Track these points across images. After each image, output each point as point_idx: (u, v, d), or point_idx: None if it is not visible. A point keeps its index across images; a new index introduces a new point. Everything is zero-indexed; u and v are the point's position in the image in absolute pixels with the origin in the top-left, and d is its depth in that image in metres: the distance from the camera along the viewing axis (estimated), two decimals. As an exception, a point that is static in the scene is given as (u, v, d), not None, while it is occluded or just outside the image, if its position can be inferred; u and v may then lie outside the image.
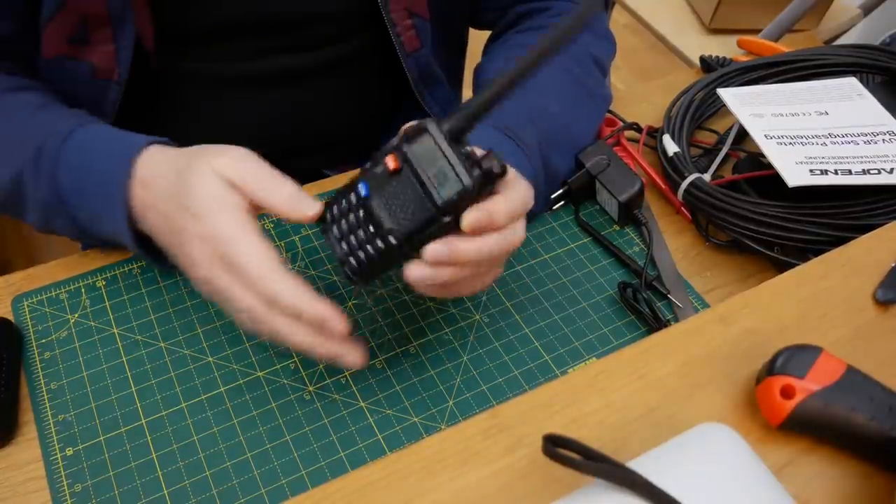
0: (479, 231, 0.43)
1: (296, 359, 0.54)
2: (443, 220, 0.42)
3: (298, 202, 0.45)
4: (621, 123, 0.72)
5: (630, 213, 0.64)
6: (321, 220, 0.46)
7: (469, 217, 0.42)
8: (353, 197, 0.44)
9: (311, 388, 0.53)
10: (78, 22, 0.57)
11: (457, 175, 0.41)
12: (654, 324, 0.56)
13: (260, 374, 0.54)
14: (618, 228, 0.65)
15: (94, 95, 0.61)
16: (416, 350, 0.55)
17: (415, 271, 0.44)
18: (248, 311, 0.45)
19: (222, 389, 0.53)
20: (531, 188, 0.48)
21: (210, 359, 0.54)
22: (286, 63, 0.67)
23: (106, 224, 0.53)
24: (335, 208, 0.45)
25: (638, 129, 0.73)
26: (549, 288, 0.60)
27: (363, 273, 0.45)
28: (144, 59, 0.63)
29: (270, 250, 0.45)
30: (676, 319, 0.57)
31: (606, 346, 0.56)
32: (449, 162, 0.41)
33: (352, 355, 0.46)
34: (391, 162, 0.42)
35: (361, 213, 0.43)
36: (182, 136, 0.70)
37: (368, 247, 0.44)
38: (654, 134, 0.72)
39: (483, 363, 0.55)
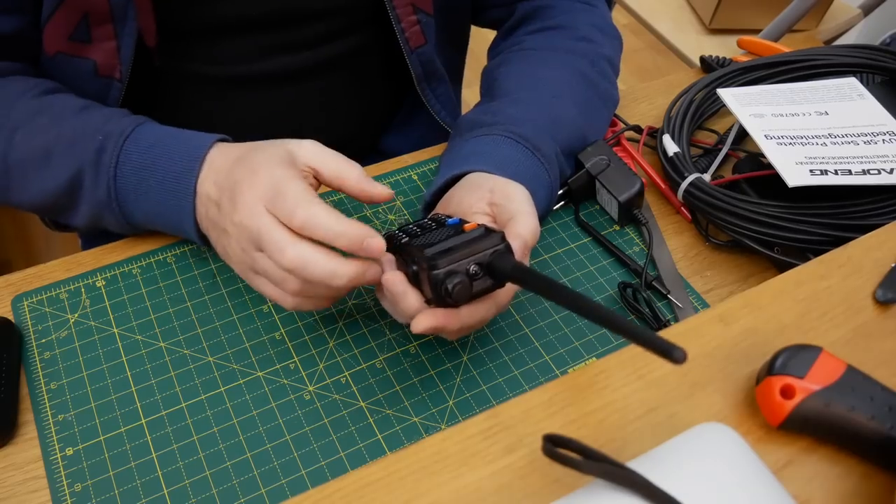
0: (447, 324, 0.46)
1: (296, 358, 0.55)
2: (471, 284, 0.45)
3: (368, 184, 0.50)
4: (622, 124, 0.72)
5: (630, 213, 0.64)
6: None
7: (424, 320, 0.46)
8: (414, 229, 0.49)
9: (311, 388, 0.53)
10: (79, 19, 0.57)
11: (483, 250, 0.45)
12: (654, 324, 0.56)
13: (260, 373, 0.54)
14: (618, 228, 0.65)
15: (97, 92, 0.61)
16: (416, 350, 0.55)
17: (424, 324, 0.45)
18: (287, 256, 0.46)
19: (222, 389, 0.53)
20: (536, 225, 0.50)
21: (210, 358, 0.54)
22: (289, 61, 0.67)
23: (170, 218, 0.55)
24: (404, 229, 0.49)
25: (638, 129, 0.73)
26: None
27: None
28: (146, 58, 0.63)
29: (313, 192, 0.47)
30: (676, 319, 0.57)
31: (606, 346, 0.56)
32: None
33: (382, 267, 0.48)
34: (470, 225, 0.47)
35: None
36: None
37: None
38: (654, 134, 0.72)
39: (483, 363, 0.55)
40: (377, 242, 0.45)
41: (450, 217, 0.50)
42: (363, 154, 0.79)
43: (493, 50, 0.74)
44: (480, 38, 0.79)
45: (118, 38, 0.58)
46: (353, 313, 0.58)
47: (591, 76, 0.67)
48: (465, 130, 0.62)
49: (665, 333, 0.48)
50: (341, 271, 0.46)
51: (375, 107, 0.78)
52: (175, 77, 0.66)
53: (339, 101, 0.73)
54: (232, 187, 0.49)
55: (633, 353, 0.46)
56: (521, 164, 0.56)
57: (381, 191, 0.49)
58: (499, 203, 0.51)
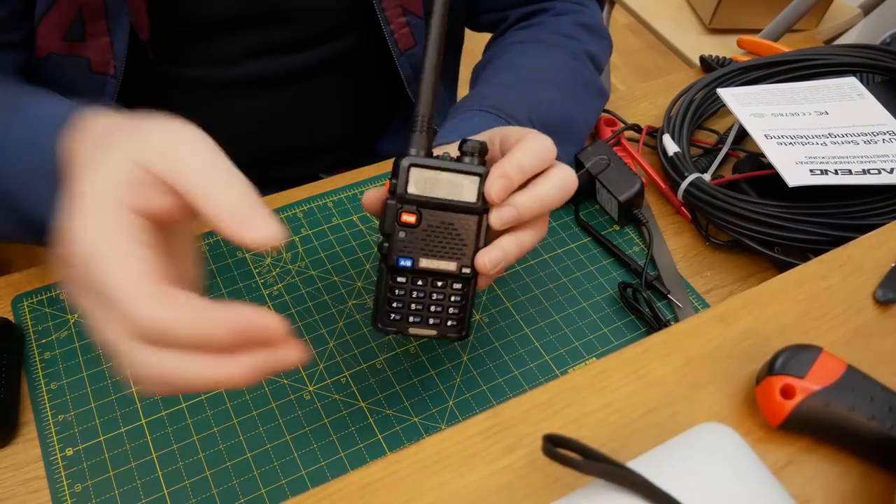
0: (511, 188, 0.43)
1: (296, 359, 0.55)
2: (485, 214, 0.44)
3: (248, 213, 0.32)
4: (621, 124, 0.72)
5: (630, 213, 0.64)
6: (383, 328, 0.45)
7: (495, 184, 0.43)
8: (401, 279, 0.45)
9: (311, 388, 0.53)
10: (74, 15, 0.57)
11: (465, 172, 0.43)
12: (654, 324, 0.56)
13: (260, 374, 0.54)
14: (618, 228, 0.65)
15: (92, 90, 0.61)
16: (416, 350, 0.55)
17: (489, 256, 0.44)
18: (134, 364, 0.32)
19: (222, 390, 0.53)
20: (542, 135, 0.46)
21: (210, 359, 0.54)
22: (280, 63, 0.67)
23: (34, 201, 0.44)
24: (393, 305, 0.45)
25: (638, 129, 0.73)
26: (549, 288, 0.60)
27: (466, 324, 0.46)
28: (140, 59, 0.63)
29: (146, 264, 0.32)
30: (676, 319, 0.57)
31: (606, 346, 0.56)
32: (450, 170, 0.43)
33: (292, 352, 0.35)
34: (408, 218, 0.43)
35: (420, 281, 0.45)
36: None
37: (452, 298, 0.45)
38: (654, 134, 0.72)
39: (483, 363, 0.55)
40: (269, 322, 0.33)
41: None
42: (359, 158, 0.79)
43: (485, 51, 0.75)
44: (478, 41, 0.79)
45: (111, 33, 0.58)
46: (353, 313, 0.58)
47: (573, 65, 0.67)
48: (447, 120, 0.62)
49: (665, 333, 0.48)
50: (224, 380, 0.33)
51: (370, 109, 0.78)
52: (166, 81, 0.66)
53: (330, 105, 0.73)
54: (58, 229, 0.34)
55: (634, 354, 0.46)
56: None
57: (265, 231, 0.32)
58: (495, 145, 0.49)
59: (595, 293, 0.60)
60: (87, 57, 0.59)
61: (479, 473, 0.40)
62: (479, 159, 0.44)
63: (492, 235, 0.45)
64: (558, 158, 0.62)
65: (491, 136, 0.48)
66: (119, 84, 0.61)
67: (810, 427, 0.41)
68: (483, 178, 0.43)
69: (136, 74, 0.62)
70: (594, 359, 0.55)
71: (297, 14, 0.65)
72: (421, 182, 0.43)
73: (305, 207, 0.66)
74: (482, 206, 0.43)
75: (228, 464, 0.49)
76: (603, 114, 0.74)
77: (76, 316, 0.57)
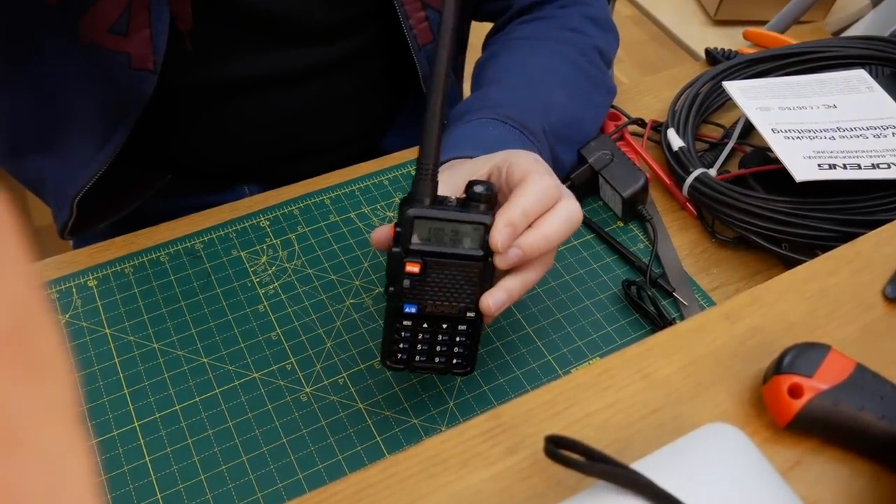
0: (517, 236, 0.45)
1: (292, 359, 0.55)
2: (490, 261, 0.45)
3: None
4: (625, 118, 0.72)
5: (634, 209, 0.64)
6: (391, 365, 0.48)
7: (501, 234, 0.44)
8: (406, 322, 0.46)
9: (308, 390, 0.53)
10: (123, 9, 0.56)
11: (470, 223, 0.45)
12: (659, 322, 0.56)
13: (256, 375, 0.54)
14: (621, 225, 0.65)
15: (127, 89, 0.60)
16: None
17: (493, 299, 0.45)
18: None
19: (217, 391, 0.53)
20: (545, 173, 0.48)
21: (205, 360, 0.55)
22: (295, 60, 0.67)
23: None
24: (400, 346, 0.47)
25: (642, 123, 0.73)
26: (552, 286, 0.60)
27: (472, 360, 0.48)
28: (174, 55, 0.62)
29: None
30: (682, 318, 0.57)
31: (610, 345, 0.56)
32: (455, 220, 0.45)
33: None
34: (413, 269, 0.45)
35: (426, 324, 0.46)
36: (188, 144, 0.71)
37: (458, 339, 0.47)
38: (659, 128, 0.72)
39: (484, 363, 0.55)
40: None
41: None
42: (365, 152, 0.79)
43: (486, 43, 0.75)
44: (482, 32, 0.79)
45: (151, 25, 0.57)
46: (351, 312, 0.58)
47: (581, 63, 0.67)
48: (455, 121, 0.62)
49: (670, 332, 0.48)
50: None
51: (378, 106, 0.78)
52: (195, 80, 0.66)
53: (343, 102, 0.73)
54: None
55: (638, 352, 0.46)
56: (509, 143, 0.56)
57: None
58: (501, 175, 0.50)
59: (598, 291, 0.60)
60: (128, 52, 0.59)
61: (480, 475, 0.40)
62: (486, 206, 0.45)
63: (497, 273, 0.46)
64: (563, 161, 0.63)
65: (499, 163, 0.49)
66: (157, 81, 0.60)
67: (818, 427, 0.41)
68: (488, 228, 0.44)
69: (172, 73, 0.62)
70: (597, 358, 0.55)
71: (318, 6, 0.65)
72: (425, 232, 0.45)
73: (302, 205, 0.66)
74: (486, 253, 0.45)
75: (223, 467, 0.49)
76: (606, 108, 0.74)
77: (67, 316, 0.57)
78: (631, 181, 0.63)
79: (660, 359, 0.46)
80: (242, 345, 0.56)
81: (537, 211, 0.46)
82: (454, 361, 0.47)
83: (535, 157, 0.49)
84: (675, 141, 0.66)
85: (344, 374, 0.54)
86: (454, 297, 0.46)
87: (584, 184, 0.66)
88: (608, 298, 0.59)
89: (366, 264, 0.61)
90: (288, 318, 0.57)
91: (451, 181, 0.49)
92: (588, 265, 0.62)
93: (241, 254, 0.62)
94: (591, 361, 0.55)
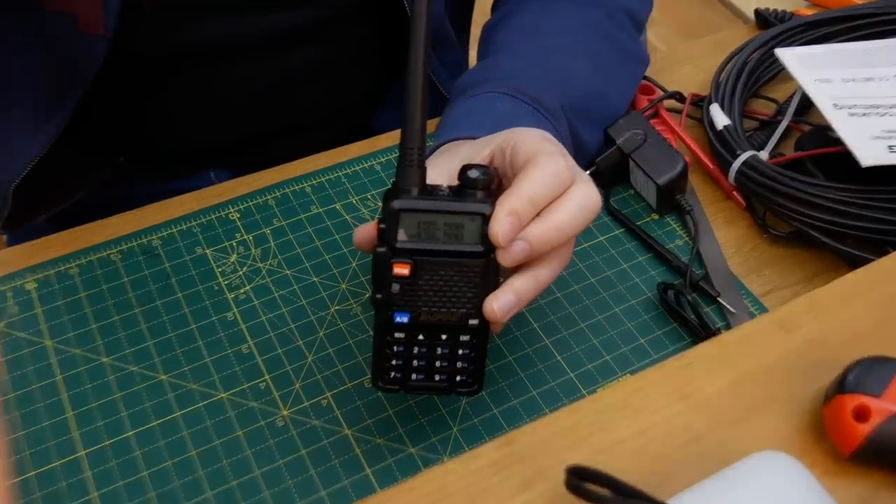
0: (521, 227, 0.45)
1: (267, 377, 0.55)
2: (492, 258, 0.45)
3: None
4: (660, 92, 0.72)
5: (671, 199, 0.64)
6: (384, 386, 0.48)
7: (502, 224, 0.44)
8: (399, 334, 0.47)
9: (285, 413, 0.53)
10: None
11: (466, 213, 0.45)
12: (701, 332, 0.56)
13: (223, 395, 0.54)
14: (656, 218, 0.65)
15: (74, 55, 0.60)
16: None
17: (498, 303, 0.45)
18: None
19: (178, 414, 0.53)
20: (556, 154, 0.47)
21: (163, 377, 0.55)
22: (280, 19, 0.67)
23: None
24: (392, 363, 0.47)
25: (680, 97, 0.73)
26: (574, 290, 0.60)
27: (479, 377, 0.48)
28: (128, 19, 0.62)
29: None
30: (728, 327, 0.57)
31: (643, 360, 0.56)
32: (448, 212, 0.45)
33: None
34: (402, 270, 0.45)
35: (422, 335, 0.47)
36: (144, 122, 0.71)
37: (461, 352, 0.47)
38: (700, 103, 0.72)
39: (494, 381, 0.55)
40: None
41: None
42: (353, 133, 0.79)
43: (496, 3, 0.74)
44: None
45: None
46: (337, 321, 0.58)
47: (607, 28, 0.67)
48: (458, 94, 0.62)
49: (714, 344, 0.48)
50: None
51: (367, 80, 0.78)
52: (152, 47, 0.66)
53: (328, 72, 0.74)
54: None
55: (676, 368, 0.46)
56: (520, 121, 0.56)
57: None
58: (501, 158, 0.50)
59: (629, 296, 0.60)
60: (75, 12, 0.58)
61: (489, 514, 0.40)
62: (484, 193, 0.45)
63: (503, 272, 0.46)
64: (586, 141, 0.63)
65: (502, 144, 0.49)
66: (109, 47, 0.60)
67: (889, 457, 0.41)
68: (487, 218, 0.44)
69: (126, 38, 0.61)
70: (628, 375, 0.55)
71: None
72: (414, 228, 0.45)
73: (278, 193, 0.66)
74: (488, 249, 0.45)
75: None
76: (638, 79, 0.74)
77: (1, 325, 0.57)
78: (667, 166, 0.63)
79: (702, 376, 0.46)
80: (208, 359, 0.56)
81: (546, 197, 0.46)
82: (458, 379, 0.47)
83: (543, 135, 0.49)
84: (720, 118, 0.66)
85: (328, 395, 0.54)
86: (452, 302, 0.45)
87: (611, 169, 0.66)
88: (641, 305, 0.59)
89: (354, 264, 0.61)
90: (262, 328, 0.57)
91: (449, 167, 0.49)
92: (617, 265, 0.62)
93: (207, 251, 0.62)
94: (620, 379, 0.55)
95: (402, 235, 0.45)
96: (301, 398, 0.54)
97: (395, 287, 0.45)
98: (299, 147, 0.73)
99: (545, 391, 0.54)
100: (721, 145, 0.65)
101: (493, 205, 0.44)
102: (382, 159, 0.69)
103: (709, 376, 0.46)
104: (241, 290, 0.60)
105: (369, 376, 0.54)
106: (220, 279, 0.60)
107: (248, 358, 0.56)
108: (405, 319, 0.46)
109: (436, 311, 0.46)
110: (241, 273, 0.61)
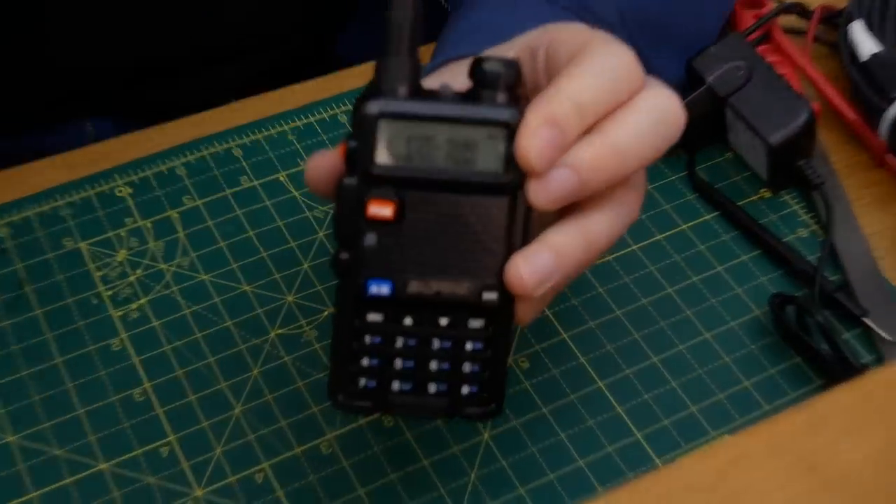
0: (566, 143, 0.43)
1: (171, 438, 0.54)
2: (521, 194, 0.44)
3: None
4: (772, 3, 0.72)
5: (790, 168, 0.64)
6: (346, 402, 0.47)
7: (537, 137, 0.42)
8: (374, 315, 0.45)
9: (199, 493, 0.53)
10: None
11: (481, 122, 0.43)
12: (838, 370, 0.56)
13: (104, 465, 0.53)
14: (768, 195, 0.65)
15: None
16: (396, 422, 0.55)
17: (529, 265, 0.43)
18: None
19: (33, 494, 0.52)
20: (614, 42, 0.46)
21: (11, 438, 0.54)
22: None
23: None
24: (363, 363, 0.46)
25: (804, 12, 0.73)
26: (642, 305, 0.60)
27: (498, 389, 0.47)
28: None
29: None
30: (880, 361, 0.57)
31: (748, 413, 0.56)
32: (453, 120, 0.43)
33: None
34: (382, 210, 0.44)
35: (411, 318, 0.45)
36: (9, 30, 0.71)
37: (470, 346, 0.46)
38: (835, 20, 0.72)
39: (520, 444, 0.55)
40: None
41: None
42: (310, 62, 0.79)
43: None
44: None
45: None
46: (280, 352, 0.58)
47: None
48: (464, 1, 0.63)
49: (858, 389, 0.47)
50: None
51: None
52: None
53: None
54: None
55: (800, 425, 0.46)
56: None
57: None
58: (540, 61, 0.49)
59: (727, 314, 0.60)
60: None
61: None
62: (507, 94, 0.44)
63: (534, 228, 0.45)
64: (658, 71, 0.62)
65: (532, 42, 0.48)
66: None
67: None
68: (513, 128, 0.43)
69: None
70: (725, 436, 0.55)
71: None
72: (401, 144, 0.43)
73: (191, 157, 0.66)
74: (515, 180, 0.43)
75: None
76: (739, -14, 0.74)
77: None
78: (784, 116, 0.63)
79: (840, 437, 0.45)
80: (80, 410, 0.55)
81: (600, 102, 0.44)
82: (465, 391, 0.46)
83: (594, 29, 0.48)
84: (866, 43, 0.66)
85: (264, 465, 0.54)
86: (458, 264, 0.44)
87: (698, 120, 0.65)
88: (744, 328, 0.59)
89: (306, 265, 0.62)
90: (164, 363, 0.57)
91: (452, 84, 0.48)
92: (708, 267, 0.62)
93: (81, 246, 0.62)
94: (712, 443, 0.55)
95: (382, 156, 0.43)
96: (224, 470, 0.53)
97: (370, 238, 0.44)
98: (224, 84, 0.73)
99: (598, 460, 0.54)
100: (868, 84, 0.65)
101: (521, 111, 0.43)
102: (351, 105, 0.68)
103: (850, 438, 0.45)
104: (133, 306, 0.59)
105: (329, 436, 0.55)
106: (101, 288, 0.60)
107: (142, 409, 0.55)
108: (385, 291, 0.45)
109: (432, 278, 0.45)
110: (132, 279, 0.60)
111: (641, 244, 0.63)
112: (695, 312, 0.60)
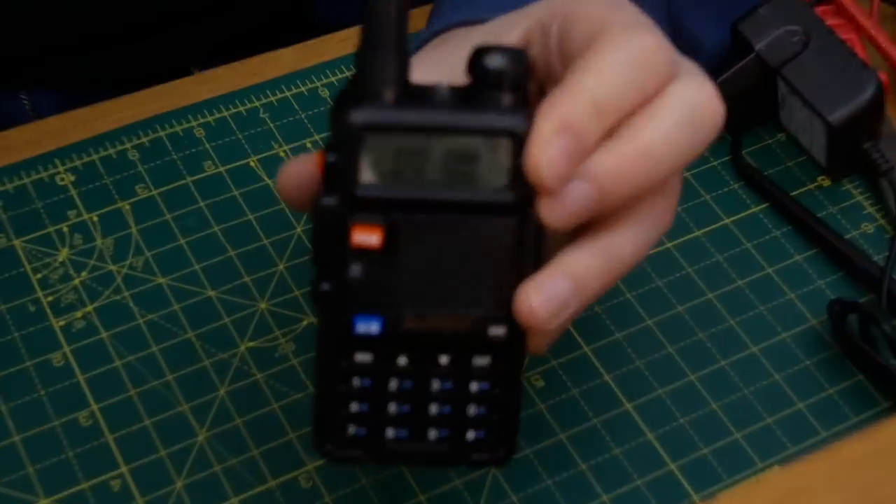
0: (584, 151, 0.43)
1: (123, 469, 0.54)
2: (531, 214, 0.43)
3: None
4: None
5: (854, 151, 0.64)
6: (336, 451, 0.47)
7: (550, 148, 0.41)
8: (363, 356, 0.45)
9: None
10: None
11: (482, 131, 0.43)
12: (908, 390, 0.56)
13: (43, 502, 0.53)
14: (827, 184, 0.66)
15: None
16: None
17: (542, 293, 0.43)
18: None
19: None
20: (639, 26, 0.46)
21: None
22: None
23: None
24: (352, 409, 0.46)
25: (869, -33, 0.73)
26: (678, 312, 0.60)
27: (508, 434, 0.47)
28: None
29: None
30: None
31: (803, 440, 0.56)
32: (450, 131, 0.43)
33: None
34: (368, 239, 0.43)
35: (405, 358, 0.45)
36: None
37: (474, 386, 0.46)
38: (907, -23, 0.72)
39: (533, 477, 0.55)
40: None
41: None
42: (286, 26, 0.80)
43: None
44: None
45: None
46: (251, 368, 0.58)
47: None
48: None
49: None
50: None
51: None
52: None
53: None
54: None
55: (863, 455, 0.46)
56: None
57: None
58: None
59: (777, 324, 0.60)
60: None
61: None
62: (513, 95, 0.43)
63: (547, 248, 0.45)
64: (699, 42, 0.63)
65: (543, 16, 0.48)
66: None
67: None
68: (521, 137, 0.42)
69: None
70: (775, 468, 0.55)
71: None
72: (390, 159, 0.43)
73: (145, 139, 0.66)
74: (524, 196, 0.43)
75: None
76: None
77: None
78: (847, 90, 0.63)
79: None
80: (15, 437, 0.55)
81: (623, 100, 0.44)
82: (470, 436, 0.46)
83: (617, 2, 0.48)
84: None
85: (233, 501, 0.54)
86: (459, 296, 0.44)
87: (745, 95, 0.65)
88: (797, 340, 0.59)
89: (282, 266, 0.62)
90: (115, 382, 0.57)
91: (449, 67, 0.48)
92: (755, 269, 0.62)
93: (16, 243, 0.62)
94: (761, 475, 0.55)
95: (367, 175, 0.43)
96: (185, 508, 0.54)
97: (356, 269, 0.44)
98: (184, 51, 0.73)
99: (625, 495, 0.54)
100: (945, 53, 0.65)
101: (530, 116, 0.43)
102: (333, 77, 0.69)
103: (923, 469, 0.45)
104: (78, 314, 0.60)
105: (309, 467, 0.54)
106: (40, 293, 0.60)
107: (89, 435, 0.55)
108: (374, 329, 0.45)
109: (429, 312, 0.45)
110: (76, 283, 0.61)
111: (677, 242, 0.63)
112: (739, 322, 0.60)
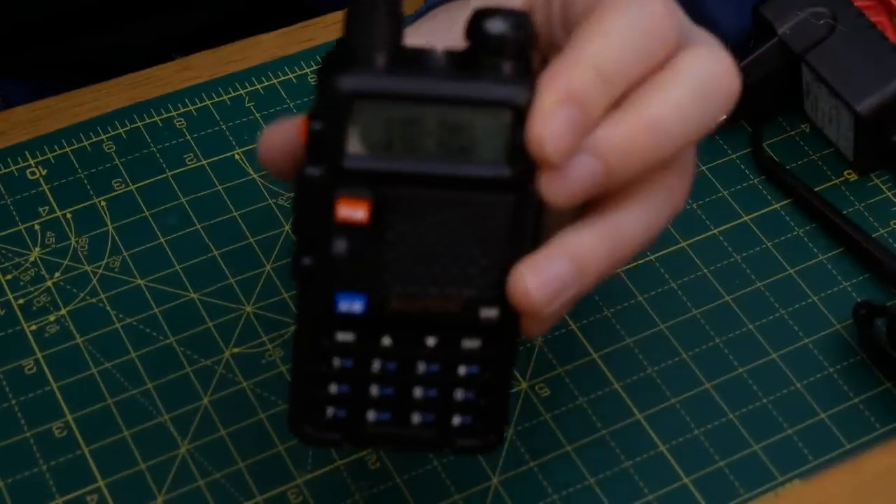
0: (588, 124, 0.43)
1: (101, 483, 0.55)
2: (531, 190, 0.43)
3: None
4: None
5: (884, 143, 0.65)
6: (315, 434, 0.47)
7: (552, 120, 0.41)
8: (344, 335, 0.45)
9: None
10: None
11: (480, 102, 0.43)
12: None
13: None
14: (854, 178, 0.66)
15: None
16: (382, 461, 0.56)
17: (539, 275, 0.43)
18: None
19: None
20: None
21: None
22: None
23: None
24: (331, 390, 0.46)
25: (901, -56, 0.73)
26: (692, 317, 0.61)
27: (497, 419, 0.47)
28: None
29: None
30: None
31: (826, 453, 0.56)
32: (445, 100, 0.43)
33: None
34: (354, 213, 0.43)
35: (390, 339, 0.45)
36: None
37: (463, 371, 0.46)
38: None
39: (537, 490, 0.55)
40: None
41: None
42: (276, 8, 0.80)
43: None
44: None
45: None
46: (237, 376, 0.58)
47: None
48: None
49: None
50: None
51: None
52: None
53: None
54: None
55: (889, 467, 0.47)
56: None
57: None
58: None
59: (799, 328, 0.60)
60: None
61: None
62: (514, 63, 0.43)
63: (546, 227, 0.45)
64: (717, 24, 0.62)
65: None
66: None
67: None
68: (522, 109, 0.42)
69: None
70: (796, 482, 0.55)
71: None
72: (380, 130, 0.43)
73: (123, 129, 0.67)
74: (523, 172, 0.43)
75: None
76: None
77: None
78: (876, 78, 0.64)
79: None
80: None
81: (631, 68, 0.43)
82: (457, 421, 0.46)
83: None
84: None
85: (217, 516, 0.55)
86: (448, 275, 0.44)
87: (767, 82, 0.66)
88: (821, 345, 0.60)
89: (269, 267, 0.62)
90: (91, 390, 0.58)
91: (448, 38, 0.48)
92: (776, 269, 0.63)
93: (-17, 240, 0.63)
94: (780, 490, 0.55)
95: (355, 145, 0.43)
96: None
97: (340, 245, 0.44)
98: (164, 36, 0.73)
99: None
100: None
101: (532, 86, 0.42)
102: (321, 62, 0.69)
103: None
104: (51, 318, 0.60)
105: (299, 481, 0.55)
106: (10, 296, 0.61)
107: (63, 447, 0.56)
108: (358, 308, 0.45)
109: (417, 292, 0.45)
110: (49, 284, 0.61)
111: (692, 240, 0.63)
112: (759, 327, 0.60)
